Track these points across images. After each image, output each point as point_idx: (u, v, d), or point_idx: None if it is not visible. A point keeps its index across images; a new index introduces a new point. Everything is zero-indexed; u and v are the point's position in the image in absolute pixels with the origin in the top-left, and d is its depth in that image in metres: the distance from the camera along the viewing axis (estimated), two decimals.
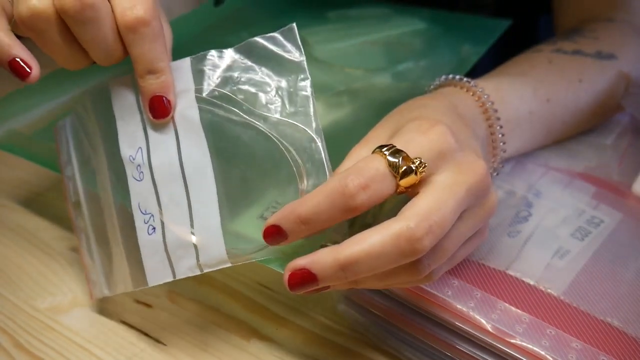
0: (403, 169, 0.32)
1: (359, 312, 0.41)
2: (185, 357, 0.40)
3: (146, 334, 0.42)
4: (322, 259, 0.32)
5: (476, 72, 0.49)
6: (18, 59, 0.36)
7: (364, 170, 0.32)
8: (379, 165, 0.32)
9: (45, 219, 0.52)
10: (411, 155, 0.32)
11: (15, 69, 0.36)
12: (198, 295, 0.45)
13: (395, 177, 0.32)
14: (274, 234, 0.33)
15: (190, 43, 0.61)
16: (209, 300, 0.45)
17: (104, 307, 0.44)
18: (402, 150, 0.32)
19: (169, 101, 0.37)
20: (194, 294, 0.45)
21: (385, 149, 0.32)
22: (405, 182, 0.32)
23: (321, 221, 0.32)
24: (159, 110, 0.37)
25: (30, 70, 0.37)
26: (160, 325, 0.43)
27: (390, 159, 0.32)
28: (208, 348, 0.41)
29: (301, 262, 0.32)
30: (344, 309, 0.41)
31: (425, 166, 0.32)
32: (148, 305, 0.44)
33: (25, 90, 0.53)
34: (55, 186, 0.56)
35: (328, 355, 0.41)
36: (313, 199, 0.32)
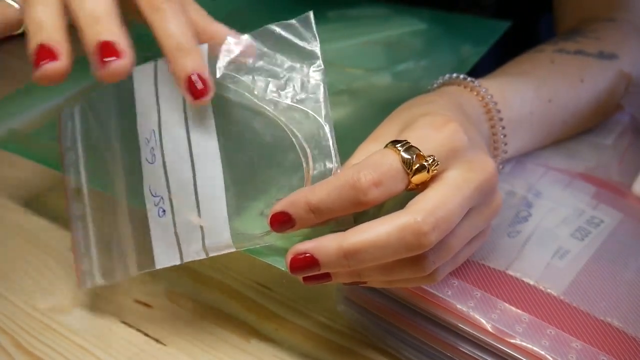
0: (416, 166, 0.32)
1: (358, 312, 0.41)
2: (185, 357, 0.40)
3: (146, 334, 0.42)
4: (326, 245, 0.32)
5: (476, 72, 0.49)
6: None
7: (377, 165, 0.32)
8: (392, 161, 0.32)
9: (45, 219, 0.52)
10: (425, 152, 0.32)
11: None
12: (198, 295, 0.45)
13: (408, 174, 0.32)
14: (281, 220, 0.33)
15: None
16: (209, 300, 0.45)
17: (104, 307, 0.44)
18: (415, 147, 0.32)
19: (203, 79, 0.34)
20: (194, 294, 0.45)
21: (399, 144, 0.32)
22: (417, 179, 0.32)
23: (330, 211, 0.32)
24: (195, 91, 0.34)
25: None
26: (160, 325, 0.43)
27: (405, 155, 0.32)
28: (208, 348, 0.41)
29: (305, 246, 0.32)
30: (343, 309, 0.41)
31: (437, 164, 0.32)
32: (148, 305, 0.44)
33: (25, 90, 0.53)
34: (55, 186, 0.56)
35: (328, 355, 0.41)
36: (324, 188, 0.32)
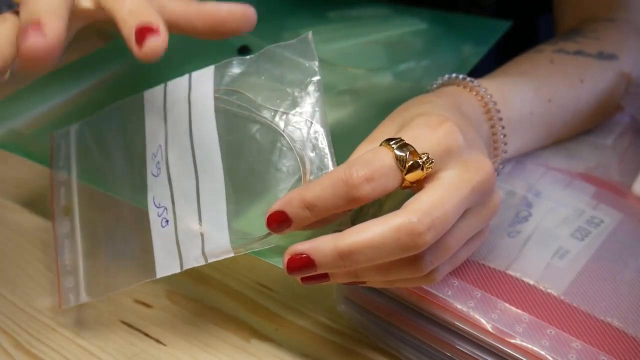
0: (410, 164, 0.32)
1: (359, 312, 0.41)
2: (185, 357, 0.40)
3: (146, 334, 0.42)
4: (322, 245, 0.32)
5: (476, 72, 0.49)
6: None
7: (370, 161, 0.32)
8: (385, 158, 0.32)
9: (45, 219, 0.52)
10: (419, 151, 0.32)
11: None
12: (198, 295, 0.45)
13: (402, 171, 0.32)
14: (278, 219, 0.33)
15: (192, 41, 0.61)
16: (209, 300, 0.45)
17: (104, 307, 0.44)
18: (409, 145, 0.32)
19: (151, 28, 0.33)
20: (194, 294, 0.45)
21: (393, 142, 0.32)
22: (411, 176, 0.32)
23: (325, 208, 0.32)
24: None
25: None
26: (160, 325, 0.43)
27: (398, 152, 0.32)
28: (208, 348, 0.41)
29: (301, 247, 0.32)
30: (343, 309, 0.41)
31: (432, 162, 0.32)
32: (148, 305, 0.44)
33: (25, 90, 0.54)
34: None
35: (328, 355, 0.41)
36: (318, 185, 0.32)
